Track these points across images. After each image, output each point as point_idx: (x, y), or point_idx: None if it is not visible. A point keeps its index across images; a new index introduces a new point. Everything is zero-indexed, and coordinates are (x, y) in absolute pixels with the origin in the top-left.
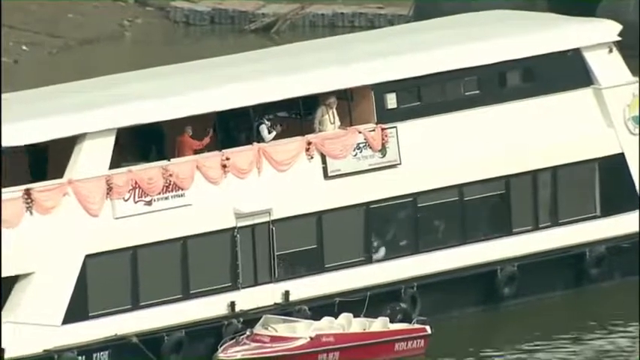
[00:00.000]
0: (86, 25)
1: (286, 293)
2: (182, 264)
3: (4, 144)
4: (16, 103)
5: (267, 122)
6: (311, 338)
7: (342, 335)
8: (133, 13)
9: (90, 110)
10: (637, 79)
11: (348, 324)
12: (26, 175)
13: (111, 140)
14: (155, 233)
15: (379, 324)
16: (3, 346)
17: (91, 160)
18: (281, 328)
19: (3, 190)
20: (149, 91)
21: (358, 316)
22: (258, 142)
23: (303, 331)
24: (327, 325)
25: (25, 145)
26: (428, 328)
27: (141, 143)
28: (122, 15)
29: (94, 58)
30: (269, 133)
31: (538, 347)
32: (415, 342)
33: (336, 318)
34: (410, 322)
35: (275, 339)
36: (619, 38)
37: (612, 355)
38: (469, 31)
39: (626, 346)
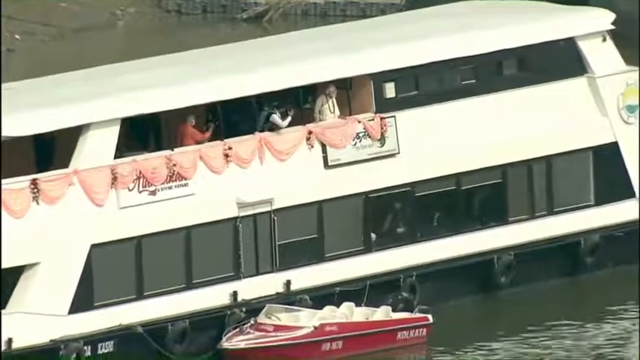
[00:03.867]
0: (79, 14)
1: (287, 283)
2: (185, 254)
3: (9, 134)
4: (20, 92)
5: (277, 111)
6: (315, 327)
7: (345, 324)
8: (126, 2)
9: (94, 100)
10: (630, 68)
11: (350, 313)
12: (32, 165)
13: (116, 130)
14: (159, 223)
15: (381, 313)
16: (11, 335)
17: (97, 150)
18: (284, 317)
19: (10, 179)
20: (152, 81)
21: (358, 305)
22: (272, 130)
23: (306, 320)
24: (330, 315)
25: (32, 135)
26: (430, 317)
27: (138, 133)
28: (115, 4)
29: (87, 47)
30: (283, 119)
31: (538, 335)
32: (417, 331)
33: (336, 307)
34: (412, 312)
35: (279, 328)
36: (612, 27)
37: (610, 342)
38: (464, 20)
39: (623, 334)
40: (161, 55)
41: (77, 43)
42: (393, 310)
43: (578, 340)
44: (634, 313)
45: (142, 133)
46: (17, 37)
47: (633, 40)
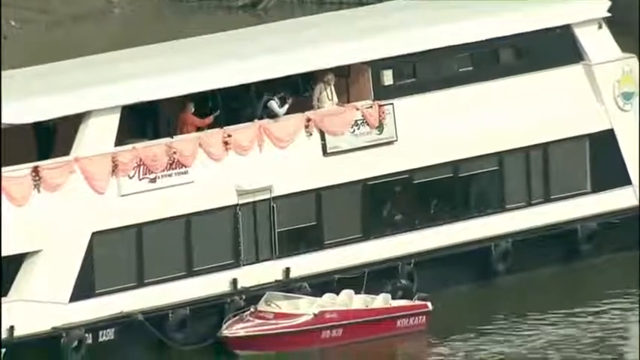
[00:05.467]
0: (75, 1)
1: (287, 270)
2: (185, 241)
3: (9, 121)
4: (21, 80)
5: (275, 98)
6: (315, 315)
7: (345, 312)
8: None
9: (95, 87)
10: (626, 55)
11: (350, 301)
12: (33, 154)
13: (116, 117)
14: (159, 211)
15: (381, 300)
16: (12, 323)
17: (97, 138)
18: (284, 304)
19: (12, 167)
20: (152, 69)
21: (357, 293)
22: (270, 117)
23: (306, 307)
24: (330, 302)
25: (33, 124)
26: (429, 304)
27: (137, 121)
28: None
29: (83, 34)
30: (281, 107)
31: (534, 322)
32: (417, 318)
33: (336, 294)
34: (411, 299)
35: (279, 316)
36: (608, 14)
37: (606, 329)
38: (461, 7)
39: (620, 321)
40: (158, 42)
41: (74, 31)
42: (392, 298)
43: (575, 327)
44: (630, 299)
45: (140, 121)
46: (13, 23)
47: (629, 27)
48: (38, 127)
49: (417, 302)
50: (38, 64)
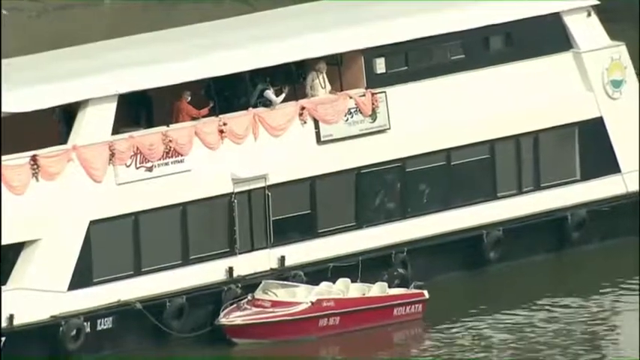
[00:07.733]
0: None
1: (282, 258)
2: (182, 230)
3: (9, 110)
4: (17, 69)
5: (271, 88)
6: (312, 303)
7: (342, 300)
8: None
9: (92, 76)
10: (615, 43)
11: (346, 289)
12: (59, 140)
13: (113, 106)
14: (156, 199)
15: (378, 289)
16: (12, 312)
17: (95, 126)
18: (281, 293)
19: (10, 156)
20: (148, 57)
21: (353, 281)
22: (266, 106)
23: (303, 296)
24: (327, 290)
25: (60, 109)
26: (425, 292)
27: (131, 109)
28: None
29: (73, 22)
30: (277, 96)
31: (526, 308)
32: (413, 307)
33: (332, 283)
34: (407, 287)
35: (276, 304)
36: (597, 2)
37: (596, 316)
38: None
39: (609, 307)
40: (147, 32)
41: (63, 19)
42: (389, 286)
43: (566, 314)
44: (622, 286)
45: (133, 110)
46: (4, 12)
47: (616, 14)
48: (66, 113)
49: (414, 291)
50: (29, 53)
